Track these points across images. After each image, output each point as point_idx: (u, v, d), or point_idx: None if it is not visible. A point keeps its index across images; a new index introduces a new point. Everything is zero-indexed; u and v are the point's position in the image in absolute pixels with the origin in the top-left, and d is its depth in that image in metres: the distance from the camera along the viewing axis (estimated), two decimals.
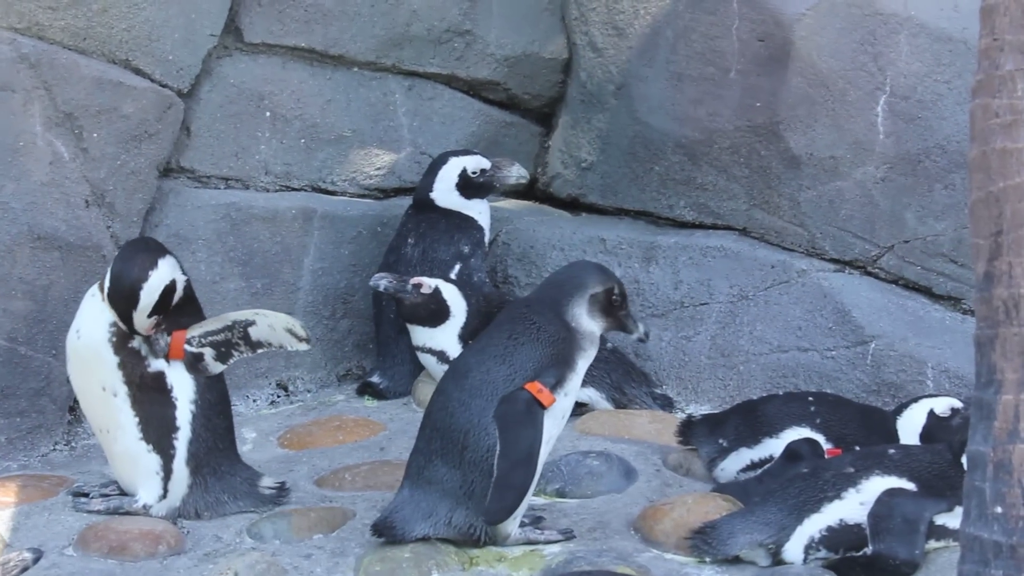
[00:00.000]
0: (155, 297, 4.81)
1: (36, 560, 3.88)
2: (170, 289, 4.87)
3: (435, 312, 6.04)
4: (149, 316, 4.83)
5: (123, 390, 4.94)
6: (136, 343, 4.92)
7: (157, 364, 4.96)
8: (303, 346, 5.19)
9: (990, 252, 3.37)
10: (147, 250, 4.93)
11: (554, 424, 4.71)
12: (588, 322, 4.76)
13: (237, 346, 5.08)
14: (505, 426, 4.60)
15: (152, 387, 4.96)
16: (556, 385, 4.65)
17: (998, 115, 3.38)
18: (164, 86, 6.05)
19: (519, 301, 5.10)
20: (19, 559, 3.84)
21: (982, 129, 3.42)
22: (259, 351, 5.14)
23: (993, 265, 3.36)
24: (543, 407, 4.61)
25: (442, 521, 4.70)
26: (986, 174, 3.39)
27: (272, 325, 5.14)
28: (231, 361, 5.09)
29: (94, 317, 4.93)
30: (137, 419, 4.96)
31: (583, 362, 4.77)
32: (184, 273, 5.01)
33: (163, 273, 4.84)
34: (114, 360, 4.93)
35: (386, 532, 4.72)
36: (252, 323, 5.11)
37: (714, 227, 6.66)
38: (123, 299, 4.83)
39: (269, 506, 5.12)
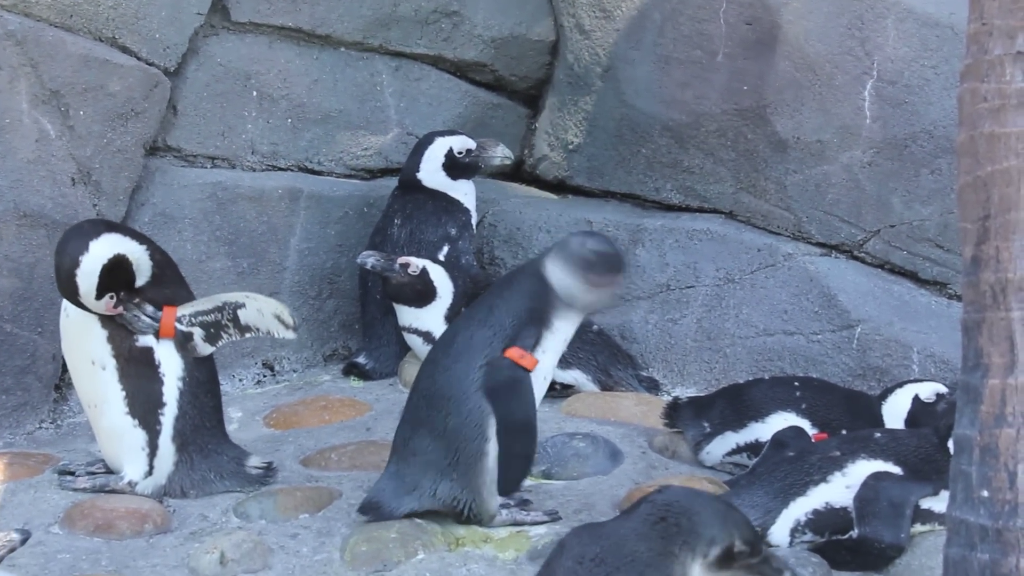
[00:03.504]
0: (94, 279, 4.78)
1: (24, 541, 3.85)
2: (115, 266, 4.82)
3: (422, 292, 6.05)
4: (99, 297, 4.81)
5: (111, 363, 4.94)
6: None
7: (145, 339, 4.96)
8: (290, 334, 5.19)
9: (978, 236, 3.39)
10: (78, 235, 4.88)
11: (537, 386, 4.72)
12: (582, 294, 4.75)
13: (226, 328, 5.07)
14: (497, 400, 4.63)
15: (140, 361, 4.96)
16: (535, 345, 4.66)
17: (986, 100, 3.39)
18: (151, 64, 6.03)
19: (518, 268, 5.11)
20: (6, 539, 3.81)
21: (970, 114, 3.43)
22: (247, 335, 5.14)
23: (980, 249, 3.37)
24: (528, 372, 4.63)
25: (427, 494, 4.71)
26: (974, 159, 3.40)
27: (261, 310, 5.14)
28: (220, 343, 5.09)
29: None
30: (124, 393, 4.96)
31: (560, 322, 4.74)
32: (143, 242, 4.97)
33: (97, 253, 4.79)
34: (103, 333, 4.93)
35: (372, 511, 4.73)
36: (242, 306, 5.11)
37: (700, 210, 6.67)
38: (64, 289, 4.84)
39: (255, 486, 5.11)
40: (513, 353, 4.62)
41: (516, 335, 4.64)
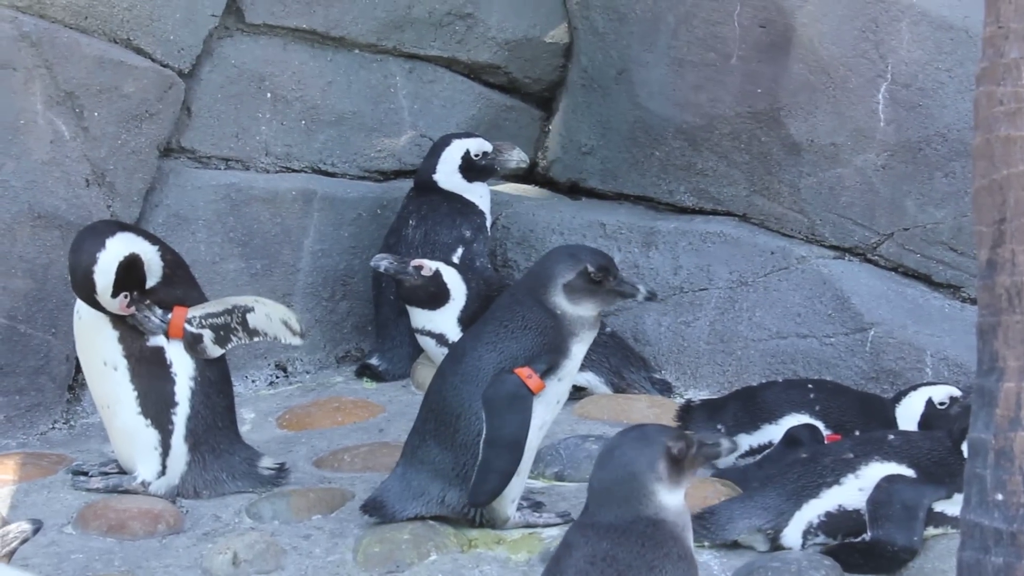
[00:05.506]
0: (111, 277, 4.80)
1: (36, 531, 3.85)
2: (130, 264, 4.85)
3: (435, 295, 6.04)
4: (115, 296, 4.83)
5: (123, 364, 4.96)
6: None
7: (156, 339, 4.97)
8: (296, 340, 5.20)
9: (993, 240, 3.37)
10: (94, 233, 4.91)
11: (547, 410, 4.70)
12: (574, 308, 4.67)
13: (235, 331, 5.09)
14: (492, 410, 4.61)
15: (151, 361, 4.97)
16: (548, 371, 4.63)
17: (1002, 103, 3.38)
18: (165, 66, 6.04)
19: (507, 292, 5.06)
20: (18, 530, 3.81)
21: (986, 117, 3.42)
22: (255, 339, 5.16)
23: (996, 253, 3.36)
24: (532, 393, 4.61)
25: (435, 500, 4.70)
26: (990, 162, 3.39)
27: (269, 315, 5.16)
28: (229, 346, 5.10)
29: None
30: (136, 393, 4.97)
31: (578, 347, 4.71)
32: (155, 243, 5.00)
33: (114, 251, 4.82)
34: (114, 334, 4.94)
35: (375, 511, 4.73)
36: (251, 309, 5.13)
37: (714, 213, 6.67)
38: (80, 287, 4.85)
39: (268, 486, 5.12)
40: (522, 372, 4.60)
41: (528, 363, 4.62)
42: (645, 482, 3.58)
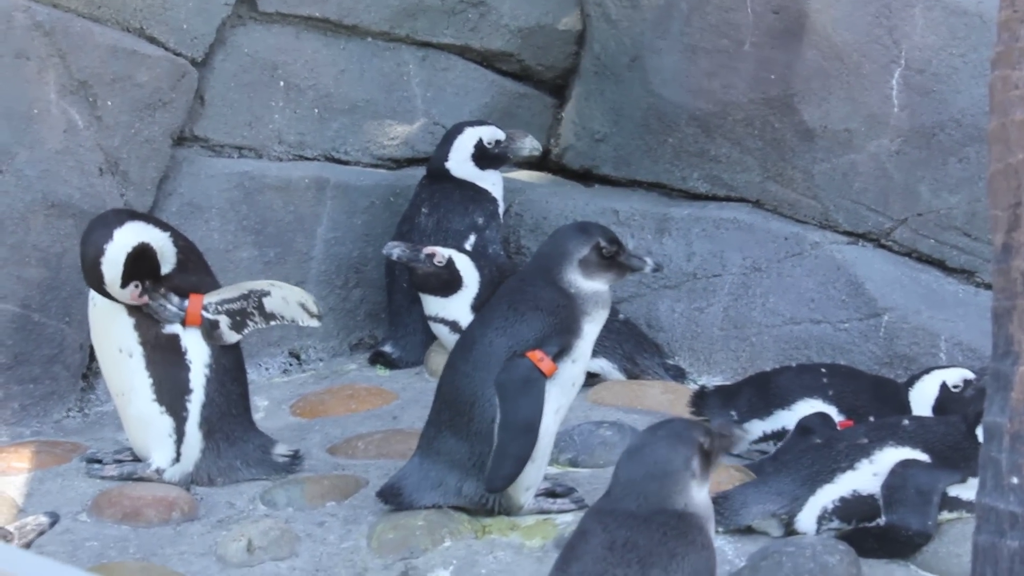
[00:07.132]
0: (119, 268, 4.80)
1: (52, 524, 3.90)
2: (139, 254, 4.85)
3: (448, 282, 6.05)
4: (124, 286, 4.83)
5: (138, 351, 4.97)
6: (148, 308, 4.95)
7: (172, 326, 4.98)
8: (314, 322, 5.21)
9: (1008, 224, 3.37)
10: (103, 224, 4.90)
11: (563, 393, 4.69)
12: (589, 284, 4.70)
13: (252, 316, 5.09)
14: (504, 395, 4.60)
15: (166, 348, 4.98)
16: (561, 353, 4.63)
17: (1017, 87, 3.38)
18: (178, 55, 6.04)
19: (515, 276, 5.07)
20: (36, 523, 3.86)
21: (1001, 101, 3.42)
22: (272, 323, 5.17)
23: (1011, 236, 3.36)
24: (544, 376, 4.62)
25: (452, 490, 4.70)
26: (1005, 146, 3.39)
27: (286, 298, 5.17)
28: (246, 331, 5.11)
29: None
30: (151, 380, 4.98)
31: (591, 326, 4.71)
32: (167, 230, 5.01)
33: (122, 242, 4.82)
34: (129, 321, 4.95)
35: (392, 499, 4.74)
36: (267, 293, 5.13)
37: (727, 199, 6.66)
38: (89, 278, 4.86)
39: (282, 474, 5.13)
40: (534, 355, 4.60)
41: (539, 345, 4.62)
42: (679, 479, 3.63)
